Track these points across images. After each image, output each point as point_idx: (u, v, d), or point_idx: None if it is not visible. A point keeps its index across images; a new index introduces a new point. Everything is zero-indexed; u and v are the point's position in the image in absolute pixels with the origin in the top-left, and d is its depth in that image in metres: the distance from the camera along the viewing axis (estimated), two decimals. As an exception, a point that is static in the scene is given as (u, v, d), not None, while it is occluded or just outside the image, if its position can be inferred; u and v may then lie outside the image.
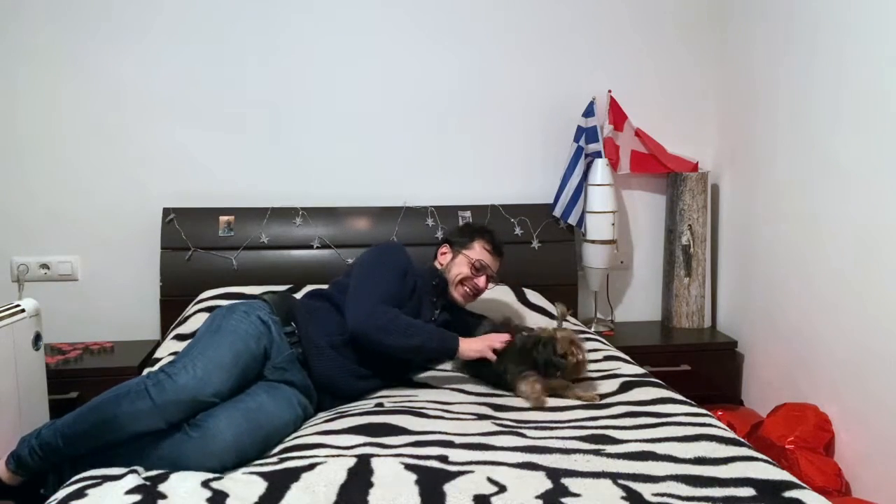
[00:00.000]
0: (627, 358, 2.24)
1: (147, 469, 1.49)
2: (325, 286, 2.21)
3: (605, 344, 2.38)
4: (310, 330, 1.93)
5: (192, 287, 2.68)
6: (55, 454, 1.60)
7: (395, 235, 2.83)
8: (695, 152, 3.06)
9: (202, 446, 1.52)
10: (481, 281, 2.20)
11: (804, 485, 1.38)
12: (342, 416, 1.75)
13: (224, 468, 1.51)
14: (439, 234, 2.81)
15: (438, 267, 2.25)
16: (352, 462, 1.43)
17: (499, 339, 1.96)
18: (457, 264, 2.20)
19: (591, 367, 2.14)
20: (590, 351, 2.27)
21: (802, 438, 2.25)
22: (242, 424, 1.58)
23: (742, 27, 2.88)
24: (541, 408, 1.82)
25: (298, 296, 2.28)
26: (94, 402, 1.62)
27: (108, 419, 1.57)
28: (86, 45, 2.74)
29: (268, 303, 1.95)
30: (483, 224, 2.59)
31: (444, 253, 2.26)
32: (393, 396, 1.91)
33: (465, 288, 2.19)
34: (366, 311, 1.92)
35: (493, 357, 1.94)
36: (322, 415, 1.83)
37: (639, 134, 2.99)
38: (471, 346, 1.95)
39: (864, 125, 2.19)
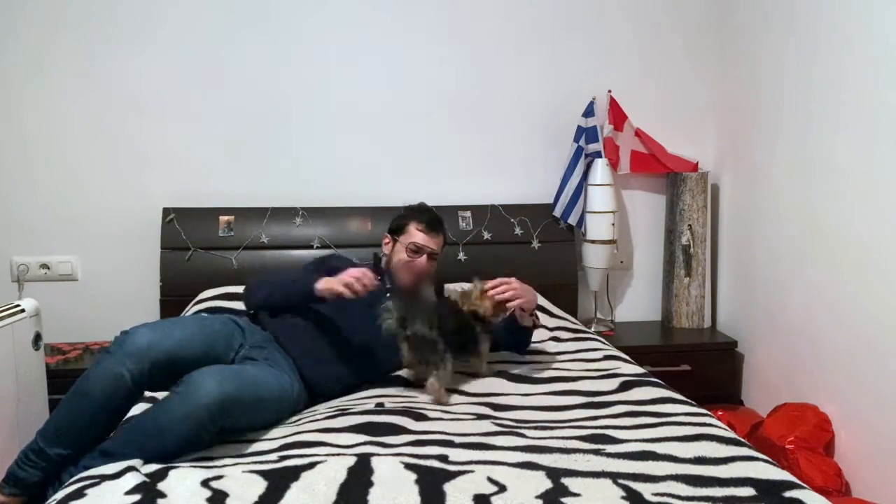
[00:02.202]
0: (627, 358, 2.23)
1: (142, 454, 1.50)
2: None
3: (604, 344, 2.38)
4: (275, 319, 2.04)
5: (192, 287, 2.68)
6: (42, 457, 1.63)
7: (395, 235, 2.83)
8: (695, 152, 3.06)
9: (187, 398, 1.53)
10: (421, 262, 2.22)
11: (804, 485, 1.38)
12: (343, 413, 1.75)
13: (213, 420, 1.52)
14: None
15: (383, 256, 2.31)
16: (352, 461, 1.43)
17: (353, 276, 1.86)
18: (396, 251, 2.26)
19: (590, 366, 2.13)
20: (589, 350, 2.28)
21: (802, 438, 2.25)
22: (228, 376, 1.60)
23: (743, 28, 2.88)
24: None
25: None
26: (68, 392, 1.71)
27: (78, 392, 1.68)
28: (87, 47, 2.75)
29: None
30: (420, 203, 2.41)
31: (387, 243, 2.33)
32: (393, 397, 1.91)
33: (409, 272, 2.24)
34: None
35: (348, 294, 1.85)
36: (322, 410, 1.82)
37: (639, 134, 2.99)
38: (326, 284, 1.89)
39: (865, 125, 2.19)
